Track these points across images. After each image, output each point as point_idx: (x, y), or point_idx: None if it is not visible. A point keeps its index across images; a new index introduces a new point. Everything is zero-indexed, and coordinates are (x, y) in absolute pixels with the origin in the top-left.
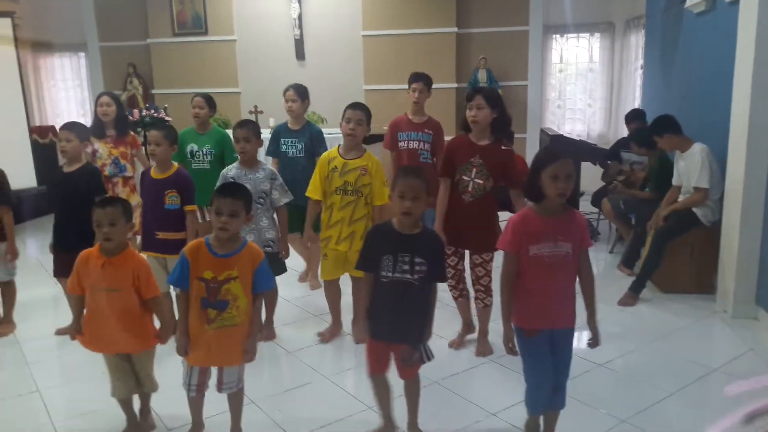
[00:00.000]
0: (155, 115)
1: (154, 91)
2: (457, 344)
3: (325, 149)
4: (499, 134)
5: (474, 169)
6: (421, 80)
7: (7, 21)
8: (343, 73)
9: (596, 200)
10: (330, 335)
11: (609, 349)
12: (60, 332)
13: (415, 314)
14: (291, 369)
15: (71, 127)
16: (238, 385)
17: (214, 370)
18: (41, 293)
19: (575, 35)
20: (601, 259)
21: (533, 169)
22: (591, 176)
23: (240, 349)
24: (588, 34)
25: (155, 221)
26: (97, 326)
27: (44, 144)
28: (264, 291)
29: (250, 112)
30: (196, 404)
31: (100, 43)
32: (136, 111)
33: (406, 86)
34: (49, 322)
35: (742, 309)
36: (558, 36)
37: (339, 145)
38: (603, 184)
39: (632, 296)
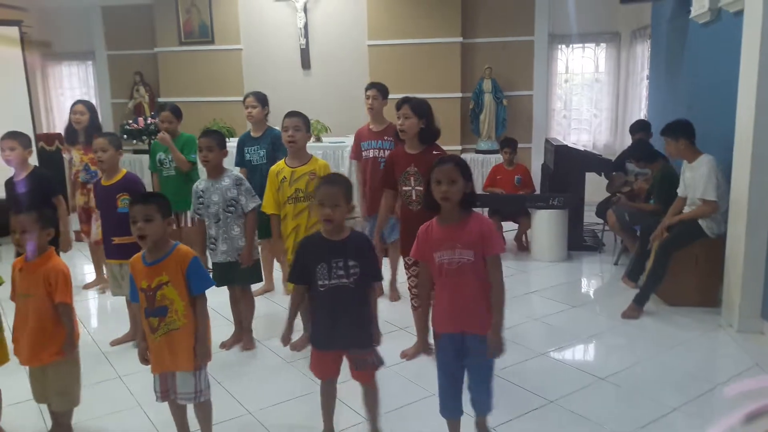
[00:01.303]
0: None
1: (160, 100)
2: (410, 355)
3: (285, 153)
4: (427, 143)
5: (411, 178)
6: (374, 87)
7: (15, 29)
8: (349, 82)
9: (601, 211)
10: (302, 344)
11: (611, 362)
12: None
13: (357, 318)
14: (287, 379)
15: (14, 135)
16: (198, 398)
17: None
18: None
19: (581, 45)
20: (606, 271)
21: (427, 180)
22: (596, 187)
23: (188, 352)
24: (594, 45)
25: (110, 227)
26: (15, 333)
27: (50, 151)
28: (200, 292)
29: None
30: (173, 411)
31: (108, 51)
32: (141, 119)
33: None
34: None
35: (747, 323)
36: (563, 46)
37: (285, 157)
38: (608, 195)
39: (636, 309)
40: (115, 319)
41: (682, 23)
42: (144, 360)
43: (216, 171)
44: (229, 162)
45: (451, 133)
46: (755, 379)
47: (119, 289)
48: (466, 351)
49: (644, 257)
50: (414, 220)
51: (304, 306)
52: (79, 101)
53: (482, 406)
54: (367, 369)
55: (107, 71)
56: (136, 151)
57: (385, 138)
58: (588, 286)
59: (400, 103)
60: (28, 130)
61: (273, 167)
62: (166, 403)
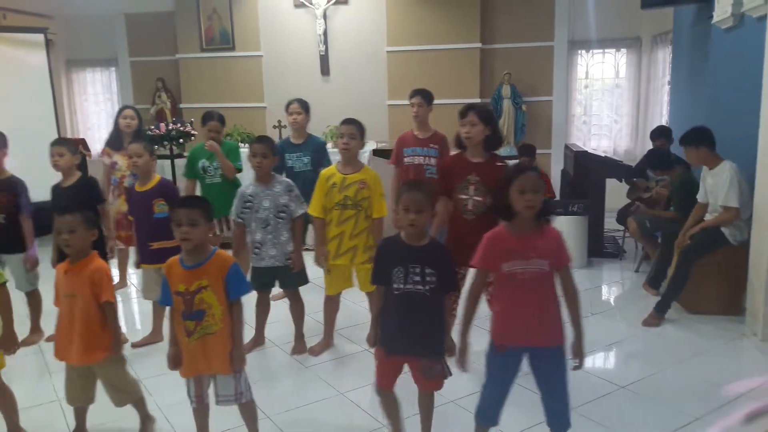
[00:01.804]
0: (181, 128)
1: (181, 105)
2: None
3: (329, 162)
4: (491, 150)
5: (471, 187)
6: (419, 95)
7: (41, 36)
8: (368, 88)
9: (622, 218)
10: (320, 349)
11: (632, 370)
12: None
13: (429, 326)
14: (307, 384)
15: (63, 142)
16: (239, 399)
17: None
18: None
19: (601, 51)
20: (627, 278)
21: (501, 188)
22: (617, 193)
23: (222, 356)
24: (614, 50)
25: (147, 233)
26: (59, 334)
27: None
28: (238, 297)
29: (274, 127)
30: (198, 415)
31: (131, 58)
32: (162, 125)
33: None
34: None
35: None
36: (584, 51)
37: (338, 162)
38: (629, 201)
39: (657, 316)
40: (134, 321)
41: (704, 29)
42: (175, 365)
43: (267, 177)
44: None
45: None
46: (755, 379)
47: (153, 293)
48: (538, 365)
49: (665, 264)
50: (464, 229)
51: (332, 312)
52: (127, 106)
53: (562, 420)
54: (435, 377)
55: (130, 77)
56: (159, 157)
57: (431, 145)
58: (608, 293)
59: (465, 110)
60: (53, 135)
61: (324, 171)
62: (185, 406)
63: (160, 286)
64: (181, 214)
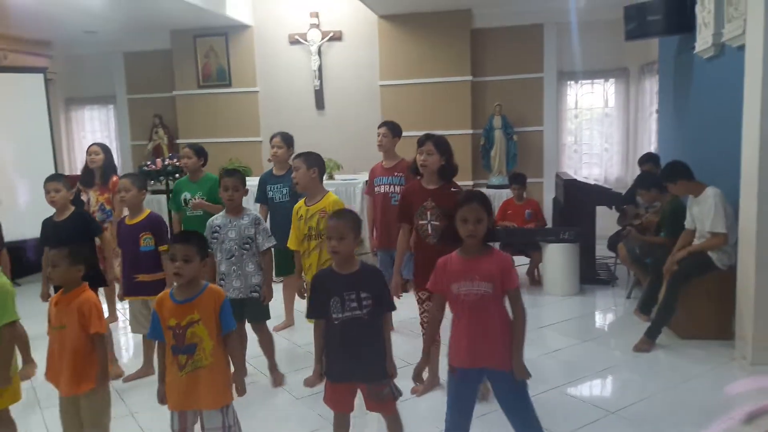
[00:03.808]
0: (177, 163)
1: (179, 141)
2: (421, 392)
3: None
4: (446, 179)
5: (428, 212)
6: (385, 126)
7: (40, 77)
8: (362, 121)
9: (612, 244)
10: (313, 381)
11: (623, 396)
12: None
13: (371, 349)
14: (298, 416)
15: (58, 178)
16: None
17: None
18: None
19: (590, 81)
20: (619, 304)
21: (451, 215)
22: (608, 220)
23: (209, 391)
24: (603, 80)
25: (133, 266)
26: (50, 361)
27: (73, 193)
28: (230, 330)
29: (269, 161)
30: None
31: (128, 95)
32: (159, 160)
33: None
34: None
35: (761, 355)
36: (573, 82)
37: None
38: (619, 228)
39: (648, 342)
40: (127, 355)
41: (688, 58)
42: (163, 400)
43: (237, 209)
44: (248, 200)
45: (462, 168)
46: (755, 378)
47: (140, 326)
48: (497, 388)
49: (656, 290)
50: (429, 253)
51: (315, 338)
52: (94, 143)
53: None
54: (385, 401)
55: (127, 114)
56: (154, 192)
57: (396, 174)
58: (601, 319)
59: (423, 139)
60: (51, 173)
61: (296, 205)
62: None
63: (146, 319)
64: (176, 250)
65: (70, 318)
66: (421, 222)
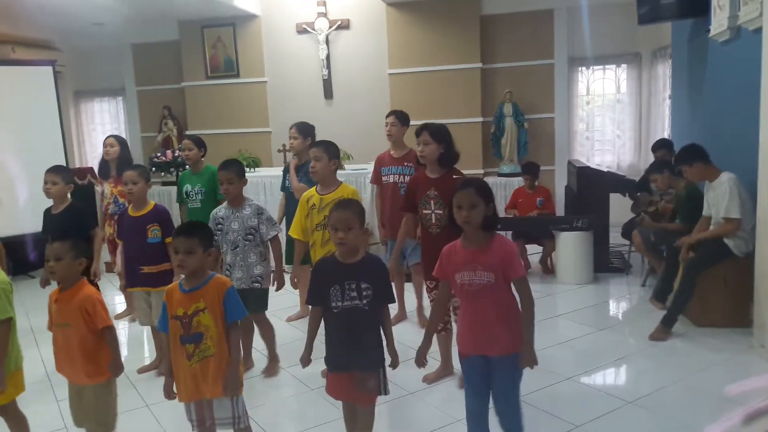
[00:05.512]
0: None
1: (188, 132)
2: (432, 380)
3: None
4: (447, 167)
5: (431, 201)
6: (393, 115)
7: (49, 69)
8: (371, 110)
9: (626, 232)
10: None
11: (639, 385)
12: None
13: (368, 340)
14: (311, 406)
15: (57, 170)
16: (237, 424)
17: None
18: None
19: (601, 67)
20: (634, 292)
21: (451, 203)
22: (621, 208)
23: (218, 380)
24: (614, 66)
25: (139, 257)
26: (58, 355)
27: (83, 185)
28: (234, 320)
29: (279, 151)
30: None
31: (137, 87)
32: (169, 152)
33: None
34: None
35: None
36: (584, 68)
37: (317, 185)
38: (632, 215)
39: (664, 330)
40: (141, 348)
41: (702, 42)
42: (169, 395)
43: (237, 200)
44: (273, 189)
45: (473, 157)
46: (755, 378)
47: (147, 318)
48: (492, 374)
49: (671, 278)
50: (434, 243)
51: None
52: (110, 135)
53: (509, 426)
54: (365, 392)
55: (137, 106)
56: (164, 183)
57: (405, 164)
58: (615, 308)
59: (420, 130)
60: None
61: (305, 193)
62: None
63: (150, 310)
64: (179, 242)
65: (73, 317)
66: (425, 212)
